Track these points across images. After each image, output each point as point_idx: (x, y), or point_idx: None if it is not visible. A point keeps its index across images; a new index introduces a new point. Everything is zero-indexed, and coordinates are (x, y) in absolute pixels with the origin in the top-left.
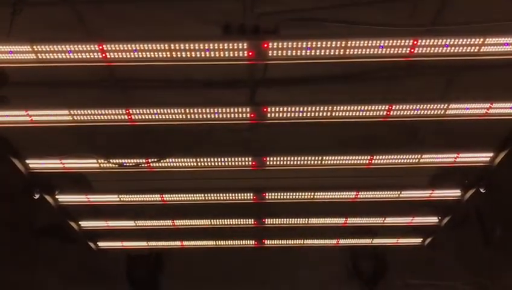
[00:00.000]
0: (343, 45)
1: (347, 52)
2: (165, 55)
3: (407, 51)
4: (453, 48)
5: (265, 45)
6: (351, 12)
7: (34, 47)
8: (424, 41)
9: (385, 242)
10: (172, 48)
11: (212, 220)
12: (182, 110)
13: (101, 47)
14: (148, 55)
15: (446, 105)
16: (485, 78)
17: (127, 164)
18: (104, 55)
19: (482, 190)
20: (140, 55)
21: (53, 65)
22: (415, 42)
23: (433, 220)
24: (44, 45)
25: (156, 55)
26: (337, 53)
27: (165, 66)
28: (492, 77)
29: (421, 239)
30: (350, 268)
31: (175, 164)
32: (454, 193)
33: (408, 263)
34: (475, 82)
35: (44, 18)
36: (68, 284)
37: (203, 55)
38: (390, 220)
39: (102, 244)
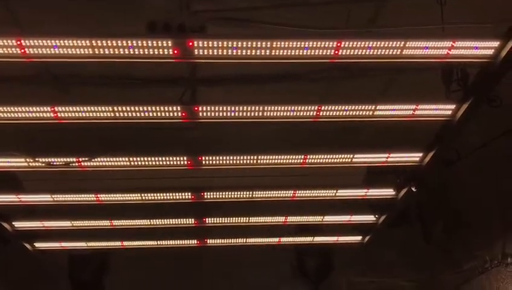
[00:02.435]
0: (268, 46)
1: (272, 53)
2: (87, 52)
3: (332, 53)
4: (376, 50)
5: (190, 43)
6: (288, 12)
7: None
8: (348, 43)
9: (326, 240)
10: (95, 44)
11: (151, 220)
12: (110, 107)
13: (19, 42)
14: (70, 52)
15: (374, 106)
16: (415, 80)
17: (57, 163)
18: (23, 50)
19: (413, 189)
20: (62, 52)
21: None
22: (339, 44)
23: (370, 218)
24: None
25: (78, 52)
26: (262, 53)
27: (99, 62)
28: (424, 79)
29: (361, 237)
30: (295, 266)
31: (107, 163)
32: (388, 192)
33: (352, 260)
34: (408, 83)
35: None
36: (7, 287)
37: (127, 52)
38: (329, 219)
39: (39, 245)
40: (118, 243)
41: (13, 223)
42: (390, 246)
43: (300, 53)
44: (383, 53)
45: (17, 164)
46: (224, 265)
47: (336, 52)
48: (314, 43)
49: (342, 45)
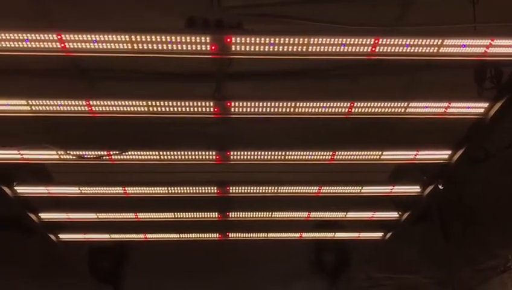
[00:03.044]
0: (305, 42)
1: (309, 49)
2: (126, 47)
3: (369, 50)
4: (413, 48)
5: (228, 40)
6: (315, 8)
7: None
8: (385, 40)
9: (347, 236)
10: (134, 39)
11: (175, 213)
12: (144, 102)
13: (59, 37)
14: (109, 46)
15: (406, 103)
16: (445, 78)
17: (88, 156)
18: (63, 45)
19: (440, 187)
20: (101, 46)
21: (8, 54)
22: (377, 41)
23: (393, 215)
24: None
25: (117, 47)
26: (299, 50)
27: (129, 57)
28: (451, 77)
29: (382, 233)
30: (313, 261)
31: (138, 157)
32: (413, 189)
33: (371, 257)
34: (435, 81)
35: None
36: (28, 276)
37: (165, 48)
38: (352, 215)
39: (63, 236)
40: (140, 236)
41: (40, 214)
42: (409, 243)
43: (338, 50)
44: (419, 51)
45: (48, 156)
46: (243, 259)
47: (373, 49)
48: (352, 39)
49: (380, 42)
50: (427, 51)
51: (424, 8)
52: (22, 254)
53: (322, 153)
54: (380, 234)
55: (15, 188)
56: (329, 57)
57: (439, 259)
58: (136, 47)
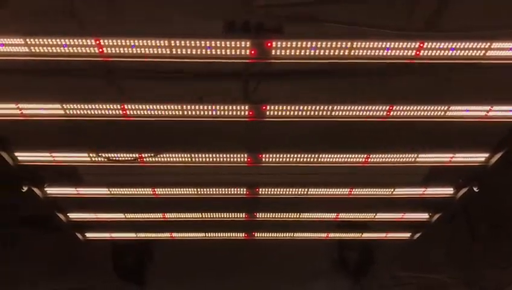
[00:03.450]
0: (348, 46)
1: (352, 53)
2: (165, 52)
3: (413, 54)
4: (458, 52)
5: (269, 44)
6: (348, 8)
7: (28, 40)
8: (431, 44)
9: (375, 236)
10: (173, 44)
11: (203, 213)
12: (179, 106)
13: (98, 42)
14: (148, 51)
15: (446, 107)
16: (485, 80)
17: (120, 159)
18: (101, 50)
19: (475, 189)
20: (139, 51)
21: (46, 59)
22: (421, 45)
23: (423, 216)
24: (39, 38)
25: (156, 52)
26: (342, 53)
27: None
28: (492, 79)
29: (410, 234)
30: (336, 259)
31: (169, 159)
32: (447, 191)
33: (395, 255)
34: (475, 84)
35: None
36: (53, 273)
37: (203, 53)
38: (381, 216)
39: (90, 235)
40: (167, 235)
41: (68, 214)
42: (434, 243)
43: (381, 53)
44: (466, 54)
45: (80, 159)
46: (269, 257)
47: (417, 52)
48: (396, 43)
49: (425, 46)
50: (473, 54)
51: (461, 8)
52: (46, 250)
53: (357, 155)
54: (407, 234)
55: (45, 189)
56: (373, 61)
57: (465, 260)
58: (175, 52)
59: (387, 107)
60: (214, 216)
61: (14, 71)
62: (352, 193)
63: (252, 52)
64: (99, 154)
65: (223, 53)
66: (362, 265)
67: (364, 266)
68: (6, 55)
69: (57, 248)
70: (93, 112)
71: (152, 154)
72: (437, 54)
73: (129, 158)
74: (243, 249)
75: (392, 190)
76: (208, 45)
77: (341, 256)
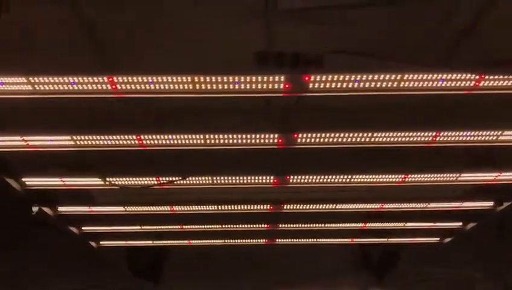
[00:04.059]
0: (398, 78)
1: (401, 85)
2: (187, 88)
3: (472, 84)
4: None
5: (307, 78)
6: None
7: (30, 79)
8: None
9: (402, 241)
10: (197, 80)
11: (223, 225)
12: (204, 135)
13: (110, 79)
14: (167, 87)
15: (500, 132)
16: None
17: (136, 184)
18: (114, 87)
19: None
20: (158, 87)
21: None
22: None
23: (456, 224)
24: (42, 76)
25: (177, 88)
26: (389, 85)
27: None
28: None
29: (439, 238)
30: (360, 257)
31: (191, 181)
32: (486, 205)
33: (421, 252)
34: None
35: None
36: (68, 273)
37: (231, 88)
38: (411, 225)
39: (104, 242)
40: (185, 242)
41: (82, 227)
42: (462, 240)
43: (434, 85)
44: None
45: (93, 183)
46: (291, 254)
47: (477, 83)
48: (454, 75)
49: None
50: None
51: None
52: (61, 251)
53: (392, 176)
54: (437, 239)
55: (58, 208)
56: (422, 93)
57: (491, 255)
58: (198, 87)
59: (434, 133)
60: (236, 227)
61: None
62: (384, 207)
63: (286, 86)
64: (114, 181)
65: (254, 88)
66: (386, 263)
67: (388, 263)
68: (8, 94)
69: (71, 247)
70: (106, 143)
71: (168, 181)
72: (498, 84)
73: (144, 185)
74: (264, 250)
75: (427, 204)
76: (236, 80)
77: (364, 254)
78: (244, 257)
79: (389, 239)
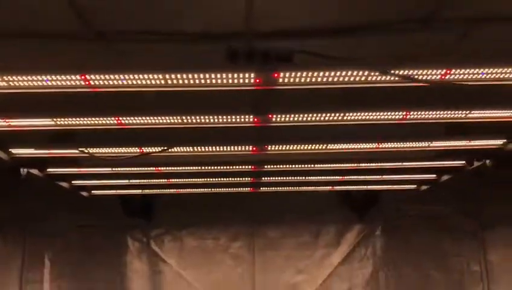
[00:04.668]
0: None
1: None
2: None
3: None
4: None
5: (276, 75)
6: None
7: (5, 77)
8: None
9: (380, 188)
10: (168, 77)
11: (208, 179)
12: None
13: (83, 77)
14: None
15: None
16: None
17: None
18: (87, 83)
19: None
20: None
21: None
22: (449, 71)
23: (431, 176)
24: (16, 75)
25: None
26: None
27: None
28: None
29: (415, 186)
30: (343, 197)
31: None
32: (458, 164)
33: (402, 195)
34: None
35: None
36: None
37: (203, 82)
38: (388, 177)
39: (95, 192)
40: (173, 191)
41: (72, 181)
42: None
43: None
44: None
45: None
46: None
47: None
48: None
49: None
50: None
51: None
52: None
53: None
54: (413, 186)
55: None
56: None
57: (468, 195)
58: (170, 82)
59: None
60: (221, 181)
61: None
62: (360, 165)
63: (257, 80)
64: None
65: (225, 82)
66: (367, 202)
67: (370, 203)
68: None
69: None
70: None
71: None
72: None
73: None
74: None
75: (401, 163)
76: (207, 78)
77: (347, 194)
78: (231, 202)
79: (368, 187)
